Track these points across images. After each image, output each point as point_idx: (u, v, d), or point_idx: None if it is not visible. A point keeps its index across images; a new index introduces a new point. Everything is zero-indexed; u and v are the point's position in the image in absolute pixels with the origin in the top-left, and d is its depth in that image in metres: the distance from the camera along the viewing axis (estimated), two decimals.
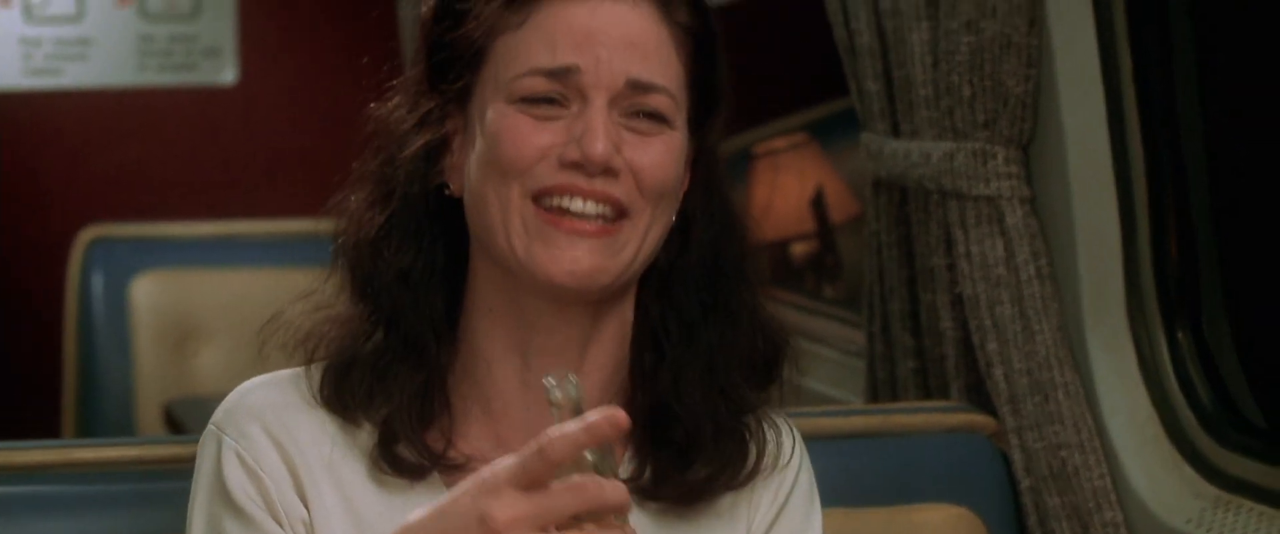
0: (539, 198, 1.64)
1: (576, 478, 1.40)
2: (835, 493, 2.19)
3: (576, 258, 1.63)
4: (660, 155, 1.65)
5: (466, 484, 1.44)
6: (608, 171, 1.62)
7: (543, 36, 1.65)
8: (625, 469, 1.71)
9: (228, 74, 5.28)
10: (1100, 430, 2.34)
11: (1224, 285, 2.36)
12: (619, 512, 1.41)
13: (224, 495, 1.67)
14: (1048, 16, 2.30)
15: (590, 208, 1.63)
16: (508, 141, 1.63)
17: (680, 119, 1.69)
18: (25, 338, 5.02)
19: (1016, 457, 2.36)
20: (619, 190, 1.63)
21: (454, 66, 1.70)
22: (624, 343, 1.73)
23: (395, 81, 1.76)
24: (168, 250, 4.22)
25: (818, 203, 4.20)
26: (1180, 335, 2.36)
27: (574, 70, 1.63)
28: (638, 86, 1.64)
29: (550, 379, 1.46)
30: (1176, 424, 2.33)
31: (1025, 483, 2.36)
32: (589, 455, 1.42)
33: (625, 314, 1.73)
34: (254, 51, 5.27)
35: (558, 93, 1.64)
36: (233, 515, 1.66)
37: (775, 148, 4.28)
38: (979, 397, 2.45)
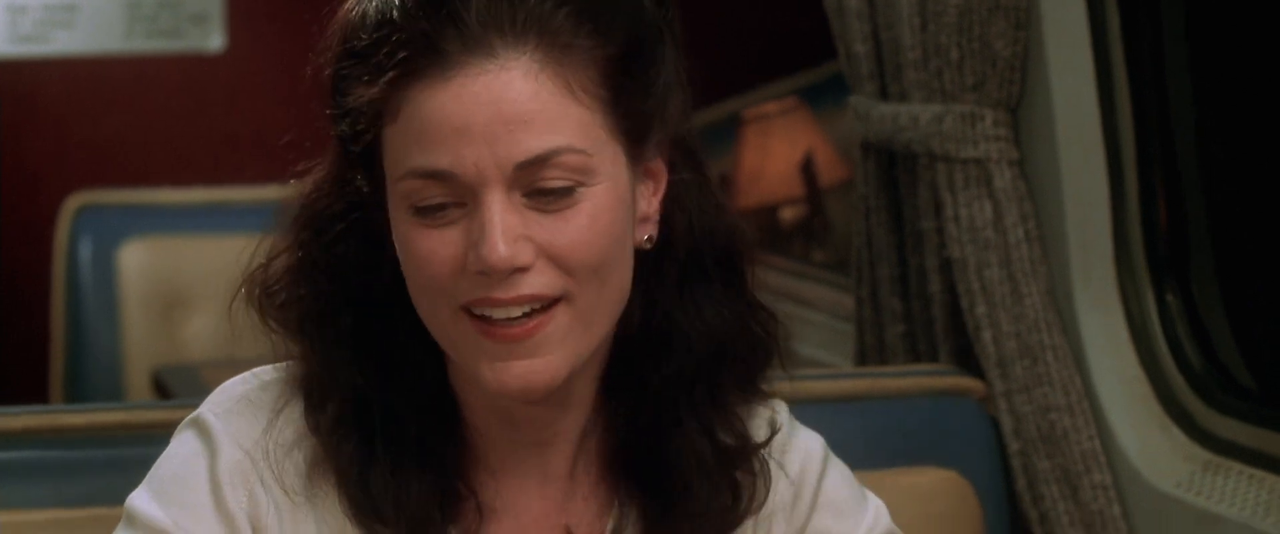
0: (468, 307, 1.45)
1: None
2: None
3: (522, 371, 1.44)
4: (580, 230, 1.43)
5: None
6: (518, 270, 1.42)
7: (415, 132, 1.43)
8: (610, 522, 1.57)
9: (215, 40, 5.26)
10: (1089, 393, 2.34)
11: (1213, 247, 2.36)
12: None
13: (216, 492, 1.52)
14: None
15: (514, 311, 1.44)
16: (419, 260, 1.46)
17: (604, 158, 1.45)
18: (13, 305, 5.01)
19: (1005, 420, 2.36)
20: (539, 284, 1.43)
21: (357, 139, 1.50)
22: (601, 362, 1.55)
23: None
24: (156, 217, 4.20)
25: (807, 167, 4.20)
26: (1169, 297, 2.36)
27: (448, 175, 1.42)
28: (529, 164, 1.41)
29: None
30: (1166, 387, 2.34)
31: (1014, 446, 2.36)
32: None
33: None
34: (241, 18, 5.25)
35: (445, 196, 1.43)
36: (220, 515, 1.52)
37: (765, 112, 4.28)
38: (967, 360, 2.45)
